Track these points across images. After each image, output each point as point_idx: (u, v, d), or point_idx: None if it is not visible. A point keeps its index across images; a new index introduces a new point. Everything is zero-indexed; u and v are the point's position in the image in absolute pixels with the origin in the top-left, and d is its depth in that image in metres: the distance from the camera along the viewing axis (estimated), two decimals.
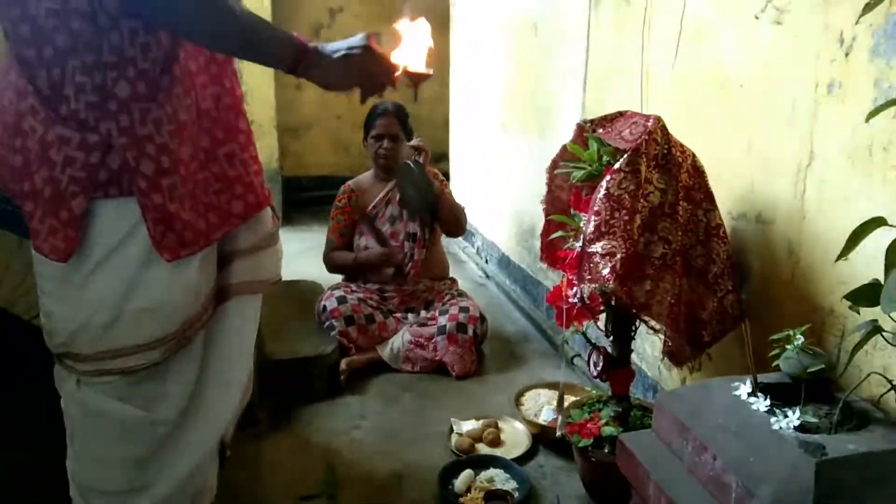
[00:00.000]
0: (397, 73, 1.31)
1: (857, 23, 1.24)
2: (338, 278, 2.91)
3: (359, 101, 1.32)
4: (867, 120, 1.18)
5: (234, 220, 1.29)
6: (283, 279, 2.75)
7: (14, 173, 1.14)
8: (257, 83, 4.25)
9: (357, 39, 1.24)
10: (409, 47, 1.36)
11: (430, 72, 1.38)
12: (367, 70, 1.25)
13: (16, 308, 1.82)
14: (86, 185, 1.11)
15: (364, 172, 3.00)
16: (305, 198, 4.84)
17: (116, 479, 1.25)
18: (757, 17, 1.60)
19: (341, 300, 2.62)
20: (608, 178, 1.48)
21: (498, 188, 3.58)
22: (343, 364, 2.48)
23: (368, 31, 1.27)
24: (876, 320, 1.17)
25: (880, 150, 1.29)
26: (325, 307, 2.63)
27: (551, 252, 1.76)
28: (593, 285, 1.47)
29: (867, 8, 1.15)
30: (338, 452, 2.10)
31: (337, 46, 1.23)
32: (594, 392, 1.92)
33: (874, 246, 1.19)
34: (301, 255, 3.80)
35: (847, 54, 1.35)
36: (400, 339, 2.61)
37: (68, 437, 1.27)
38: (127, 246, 1.15)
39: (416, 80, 1.36)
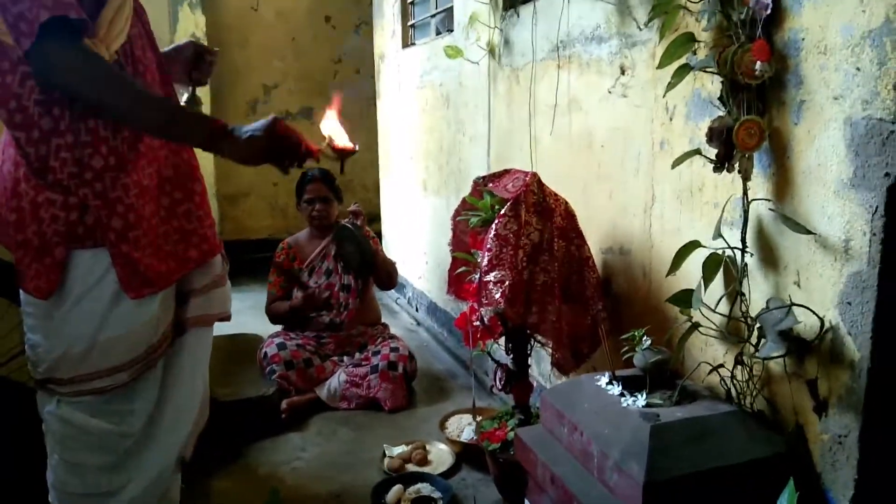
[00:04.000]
0: (321, 148, 1.49)
1: (664, 96, 1.64)
2: (279, 328, 3.16)
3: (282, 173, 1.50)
4: (673, 167, 1.59)
5: (190, 265, 1.56)
6: (227, 333, 3.01)
7: (10, 227, 1.40)
8: (198, 154, 4.52)
9: (263, 122, 1.38)
10: (334, 125, 1.53)
11: (355, 147, 1.55)
12: (271, 149, 1.39)
13: None
14: (66, 237, 1.37)
15: (300, 231, 3.30)
16: (246, 260, 5.08)
17: (90, 483, 1.48)
18: (610, 92, 2.01)
19: (281, 346, 2.88)
20: (496, 221, 1.84)
21: (423, 243, 3.93)
22: (284, 404, 2.73)
23: (275, 115, 1.43)
24: (691, 317, 1.54)
25: (697, 191, 1.68)
26: (266, 354, 2.88)
27: (458, 286, 2.09)
28: (490, 308, 1.80)
29: (669, 87, 1.56)
30: (281, 480, 2.33)
31: (247, 128, 1.38)
32: (502, 409, 2.22)
33: (698, 264, 1.56)
34: (244, 312, 4.02)
35: (671, 119, 1.76)
36: (336, 380, 2.87)
37: (49, 451, 1.50)
38: (100, 287, 1.40)
39: (340, 154, 1.53)
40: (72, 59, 1.26)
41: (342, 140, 1.54)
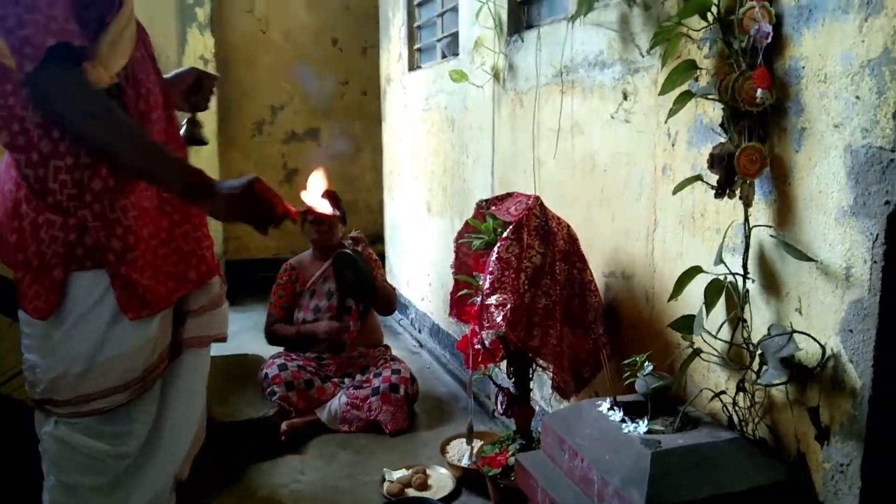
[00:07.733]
0: (300, 211, 1.50)
1: (666, 122, 1.65)
2: (280, 349, 3.15)
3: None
4: (674, 193, 1.59)
5: (189, 286, 1.56)
6: (228, 354, 3.00)
7: (10, 247, 1.41)
8: None
9: (241, 181, 1.38)
10: (315, 197, 1.56)
11: (335, 213, 1.59)
12: (246, 209, 1.39)
13: None
14: (65, 258, 1.37)
15: (303, 252, 3.31)
16: (249, 280, 5.08)
17: None
18: (612, 117, 2.02)
19: (282, 367, 2.87)
20: (499, 244, 1.84)
21: (426, 264, 3.93)
22: (284, 426, 2.71)
23: (255, 175, 1.41)
24: (693, 343, 1.54)
25: (699, 216, 1.68)
26: (266, 374, 2.87)
27: (460, 308, 2.09)
28: (491, 331, 1.80)
29: (670, 113, 1.57)
30: (280, 502, 2.31)
31: (227, 185, 1.38)
32: (503, 433, 2.21)
33: (700, 289, 1.55)
34: (245, 332, 4.03)
35: (673, 145, 1.77)
36: (337, 402, 2.86)
37: (45, 472, 1.49)
38: (98, 308, 1.40)
39: (320, 218, 1.58)
40: (67, 88, 1.27)
41: (323, 207, 1.58)
